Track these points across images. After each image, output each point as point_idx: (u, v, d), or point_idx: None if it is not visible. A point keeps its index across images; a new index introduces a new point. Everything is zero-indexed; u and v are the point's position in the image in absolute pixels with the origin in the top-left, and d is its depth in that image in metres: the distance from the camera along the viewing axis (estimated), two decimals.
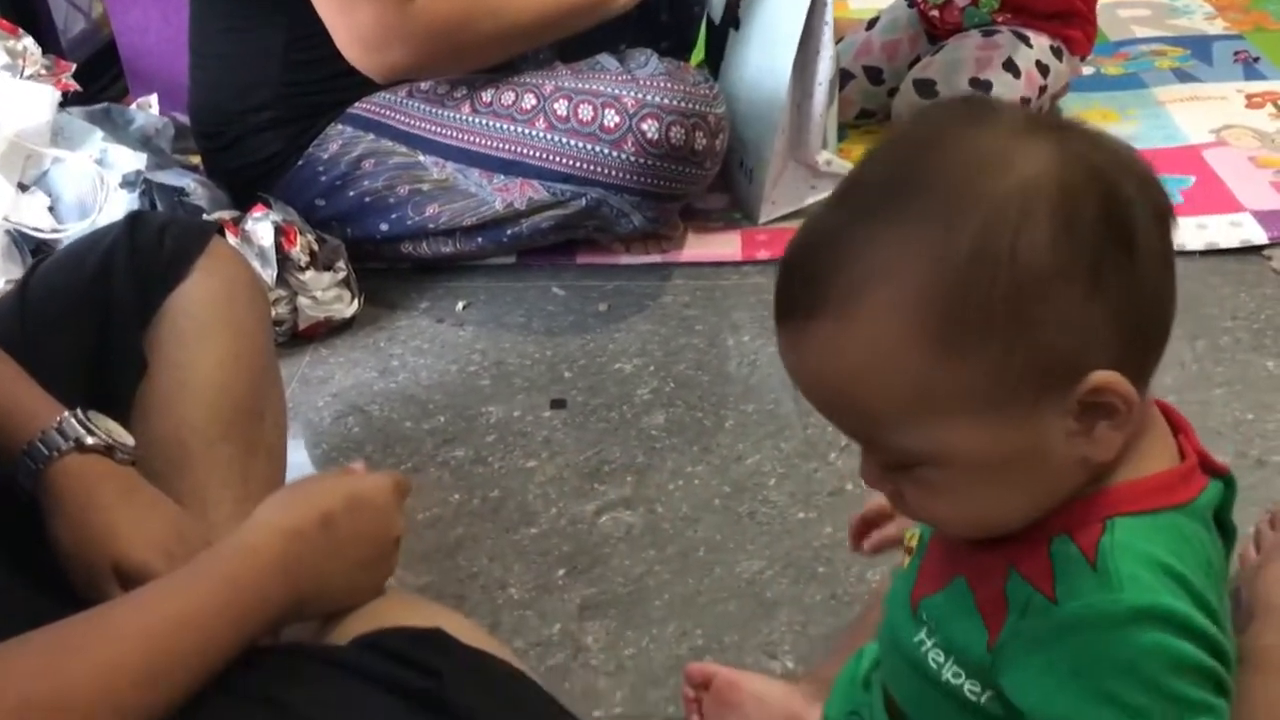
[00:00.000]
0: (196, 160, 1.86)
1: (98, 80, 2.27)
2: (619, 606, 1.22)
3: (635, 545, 1.30)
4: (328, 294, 1.68)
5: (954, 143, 0.62)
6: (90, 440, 0.90)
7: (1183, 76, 2.22)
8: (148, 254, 1.10)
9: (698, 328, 1.66)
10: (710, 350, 1.62)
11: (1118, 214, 0.60)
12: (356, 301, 1.71)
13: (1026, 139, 0.61)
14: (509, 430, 1.49)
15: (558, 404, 1.53)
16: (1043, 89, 1.96)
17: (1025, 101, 1.91)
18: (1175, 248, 0.63)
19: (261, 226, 1.65)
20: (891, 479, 0.67)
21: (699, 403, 1.52)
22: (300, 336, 1.68)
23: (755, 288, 1.74)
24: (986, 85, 1.90)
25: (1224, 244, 1.71)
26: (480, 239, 1.69)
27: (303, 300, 1.66)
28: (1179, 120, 2.07)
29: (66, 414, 0.90)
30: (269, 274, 1.63)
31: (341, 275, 1.70)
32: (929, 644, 0.74)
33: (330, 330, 1.69)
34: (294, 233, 1.66)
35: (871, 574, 1.24)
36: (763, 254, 1.79)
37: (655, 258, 1.79)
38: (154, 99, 1.94)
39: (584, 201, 1.63)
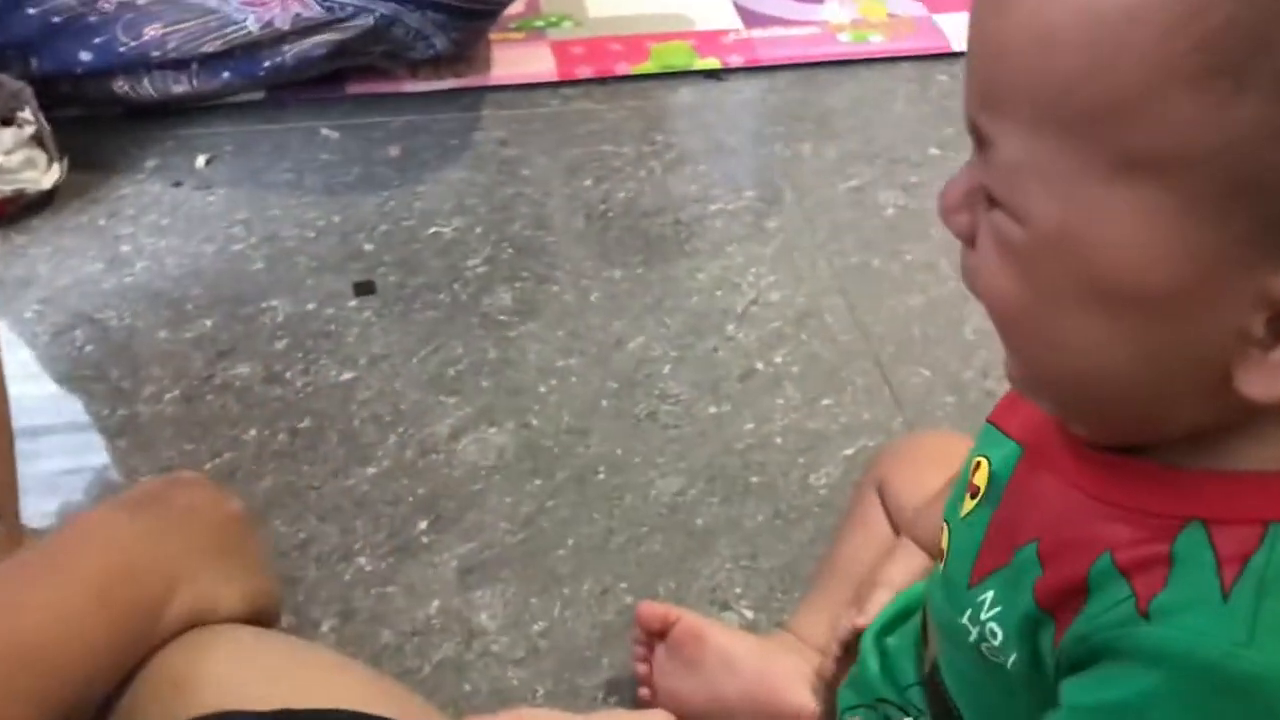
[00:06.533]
0: None
1: None
2: (512, 564, 0.93)
3: (513, 475, 1.00)
4: (12, 159, 1.23)
5: None
6: None
7: None
8: None
9: (524, 172, 1.32)
10: (547, 201, 1.29)
11: None
12: (56, 166, 1.26)
13: None
14: (305, 330, 1.13)
15: (364, 288, 1.18)
16: None
17: None
18: None
19: None
20: (976, 213, 0.43)
21: (549, 272, 1.20)
22: None
23: (583, 115, 1.41)
24: None
25: None
26: (227, 73, 1.26)
27: None
28: None
29: None
30: None
31: (29, 131, 1.24)
32: (985, 628, 0.51)
33: (23, 208, 1.24)
34: None
35: (815, 477, 1.00)
36: (584, 71, 1.45)
37: (450, 82, 1.42)
38: None
39: (371, 19, 1.23)
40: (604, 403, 1.06)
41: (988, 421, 0.57)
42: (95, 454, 1.01)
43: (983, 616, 0.51)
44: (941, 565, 0.58)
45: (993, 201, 0.42)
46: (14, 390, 0.85)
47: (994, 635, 0.50)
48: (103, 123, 1.34)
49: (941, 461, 0.76)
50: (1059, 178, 0.39)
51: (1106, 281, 0.40)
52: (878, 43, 1.52)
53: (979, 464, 0.56)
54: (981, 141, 0.42)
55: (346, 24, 1.23)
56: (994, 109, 0.40)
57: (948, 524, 0.58)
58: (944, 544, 0.58)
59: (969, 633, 0.52)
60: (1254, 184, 0.36)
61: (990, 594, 0.51)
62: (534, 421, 1.04)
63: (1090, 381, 0.43)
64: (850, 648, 0.70)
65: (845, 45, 1.51)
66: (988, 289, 0.44)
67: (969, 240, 0.44)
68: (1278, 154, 0.35)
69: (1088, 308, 0.41)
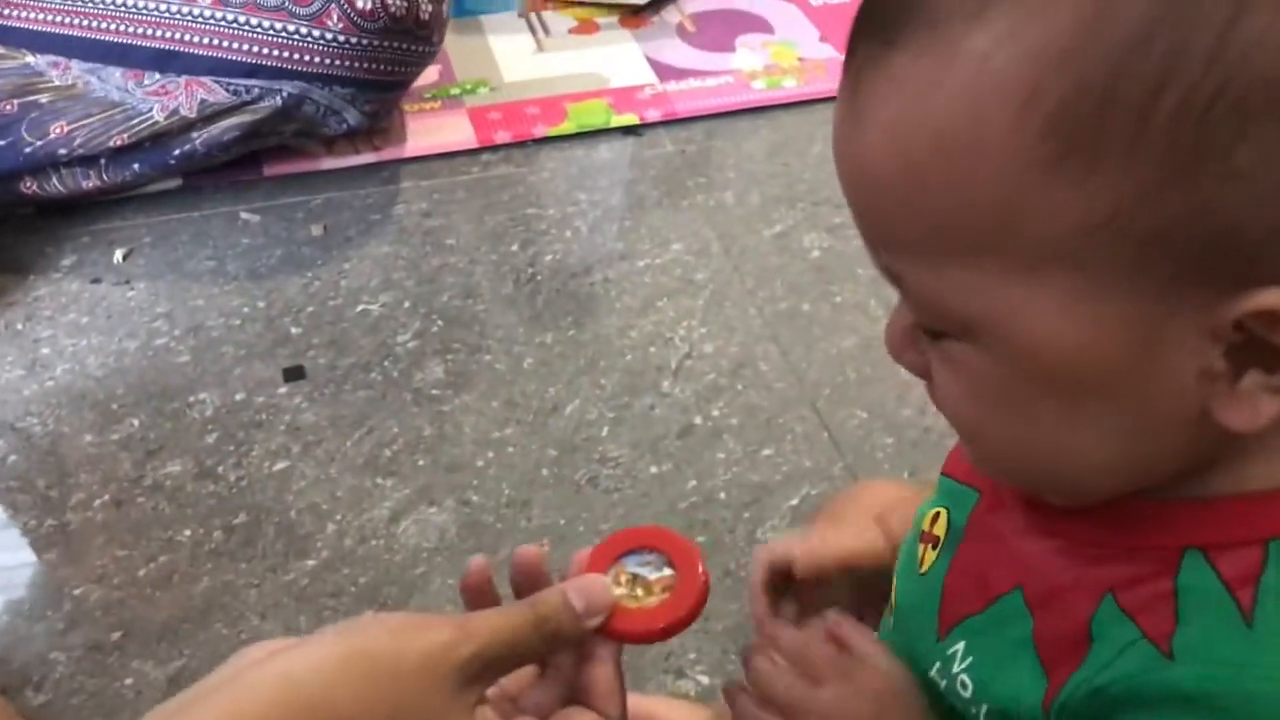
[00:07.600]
0: None
1: None
2: None
3: (456, 555, 0.98)
4: None
5: None
6: None
7: None
8: None
9: (449, 241, 1.32)
10: (474, 269, 1.28)
11: None
12: None
13: None
14: (236, 422, 1.11)
15: (293, 374, 1.16)
16: None
17: None
18: None
19: None
20: (920, 347, 0.43)
21: (480, 341, 1.19)
22: None
23: (504, 180, 1.40)
24: None
25: None
26: (137, 164, 1.24)
27: None
28: None
29: None
30: None
31: None
32: (955, 680, 0.50)
33: None
34: None
35: (762, 531, 1.00)
36: (502, 135, 1.45)
37: (368, 156, 1.41)
38: None
39: (279, 100, 1.22)
40: (544, 471, 1.05)
41: (941, 474, 0.56)
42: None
43: (954, 670, 0.50)
44: (890, 620, 0.57)
45: (933, 334, 0.42)
46: None
47: (964, 687, 0.49)
48: (13, 223, 1.32)
49: (882, 510, 0.75)
50: (974, 295, 0.38)
51: (1057, 374, 0.39)
52: (791, 87, 1.54)
53: (937, 515, 0.55)
54: (896, 279, 0.42)
55: (254, 106, 1.22)
56: (890, 248, 0.41)
57: (899, 582, 0.57)
58: (894, 600, 0.57)
59: (936, 685, 0.51)
60: (1151, 239, 0.36)
61: (961, 645, 0.50)
62: (474, 498, 1.03)
63: (1068, 467, 0.42)
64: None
65: (760, 92, 1.53)
66: (956, 412, 0.44)
67: (925, 375, 0.44)
68: (1156, 207, 0.35)
69: (1052, 404, 0.40)
